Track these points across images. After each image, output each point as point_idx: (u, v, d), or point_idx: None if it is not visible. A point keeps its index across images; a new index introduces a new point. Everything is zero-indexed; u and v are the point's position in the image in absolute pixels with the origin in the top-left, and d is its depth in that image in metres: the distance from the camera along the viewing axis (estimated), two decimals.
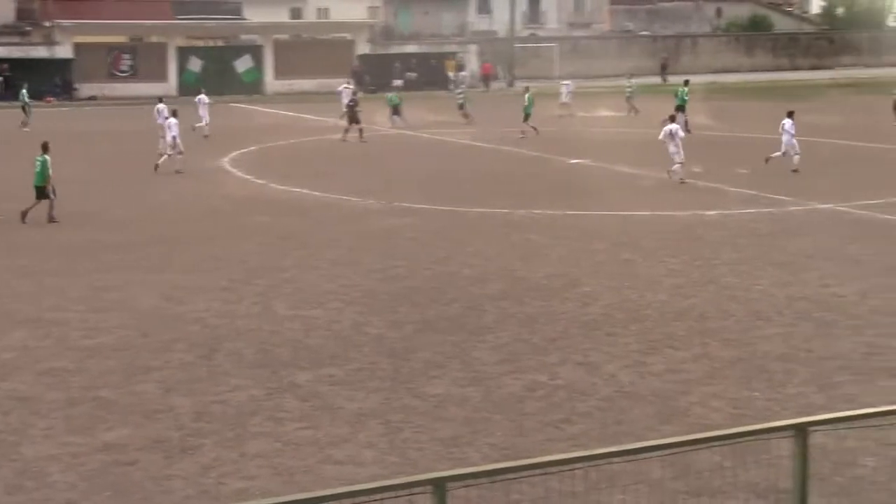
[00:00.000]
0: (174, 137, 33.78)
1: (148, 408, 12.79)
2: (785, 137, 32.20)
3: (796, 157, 32.00)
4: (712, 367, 14.06)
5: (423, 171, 34.22)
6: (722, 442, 7.45)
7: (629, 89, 54.03)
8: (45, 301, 18.05)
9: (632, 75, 56.72)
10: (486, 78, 78.55)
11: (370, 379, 13.76)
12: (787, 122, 32.29)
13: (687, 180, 30.14)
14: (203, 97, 46.94)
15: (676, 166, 30.34)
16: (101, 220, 25.90)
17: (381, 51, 78.31)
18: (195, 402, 12.94)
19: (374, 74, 72.72)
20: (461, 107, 50.74)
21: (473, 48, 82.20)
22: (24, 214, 25.38)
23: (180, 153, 34.00)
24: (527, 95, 44.57)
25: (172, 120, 34.42)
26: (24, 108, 51.22)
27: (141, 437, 11.88)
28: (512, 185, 30.82)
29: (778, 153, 32.21)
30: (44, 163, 25.68)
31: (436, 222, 25.01)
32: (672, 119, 31.78)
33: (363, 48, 76.70)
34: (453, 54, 79.54)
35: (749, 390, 13.16)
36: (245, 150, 40.31)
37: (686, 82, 46.97)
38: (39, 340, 15.69)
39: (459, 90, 53.59)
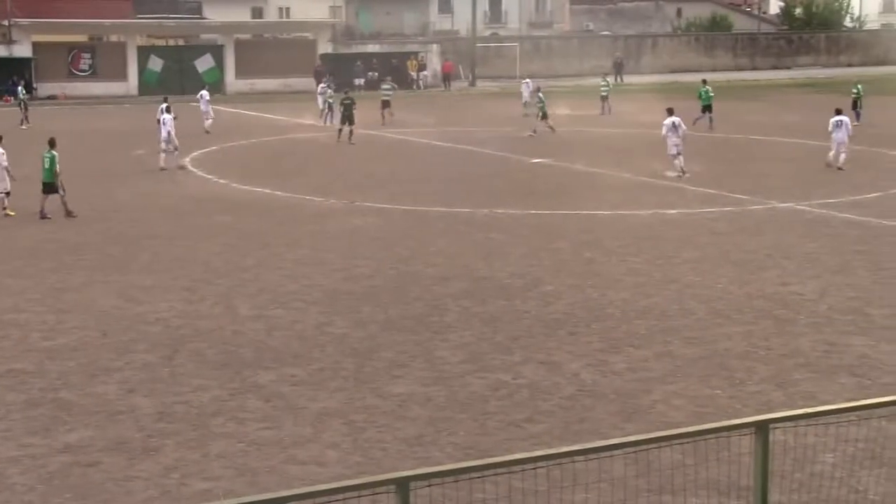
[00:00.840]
0: (169, 133, 34.25)
1: (109, 409, 12.71)
2: (838, 135, 32.11)
3: (843, 156, 32.16)
4: (674, 366, 14.15)
5: (386, 170, 34.18)
6: (684, 440, 7.51)
7: (605, 88, 54.22)
8: (4, 302, 17.89)
9: (606, 75, 56.91)
10: (448, 77, 78.58)
11: (333, 379, 13.74)
12: (841, 119, 32.31)
13: (669, 174, 30.67)
14: (205, 93, 48.39)
15: (679, 159, 30.96)
16: (60, 219, 25.67)
17: (343, 50, 78.15)
18: (157, 403, 12.87)
19: (336, 74, 72.56)
20: (385, 104, 50.35)
21: (435, 48, 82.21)
22: (42, 213, 25.84)
23: (175, 149, 34.41)
24: (539, 94, 45.26)
25: (167, 116, 34.56)
26: (21, 105, 51.54)
27: (102, 438, 11.80)
28: (475, 184, 30.86)
29: (833, 153, 32.35)
30: (52, 159, 26.08)
31: (399, 222, 25.00)
32: (671, 112, 31.86)
33: (325, 48, 76.50)
34: (415, 54, 79.51)
35: (710, 388, 13.26)
36: (207, 149, 40.11)
37: (704, 81, 47.52)
38: None
39: (387, 86, 53.23)
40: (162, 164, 34.15)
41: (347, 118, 41.87)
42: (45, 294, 18.42)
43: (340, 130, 42.16)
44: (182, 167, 34.36)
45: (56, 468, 11.04)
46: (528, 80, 56.48)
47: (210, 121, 47.01)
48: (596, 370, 14.00)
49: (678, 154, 31.15)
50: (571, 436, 11.59)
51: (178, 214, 26.48)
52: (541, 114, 43.84)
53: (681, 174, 30.92)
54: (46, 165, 25.87)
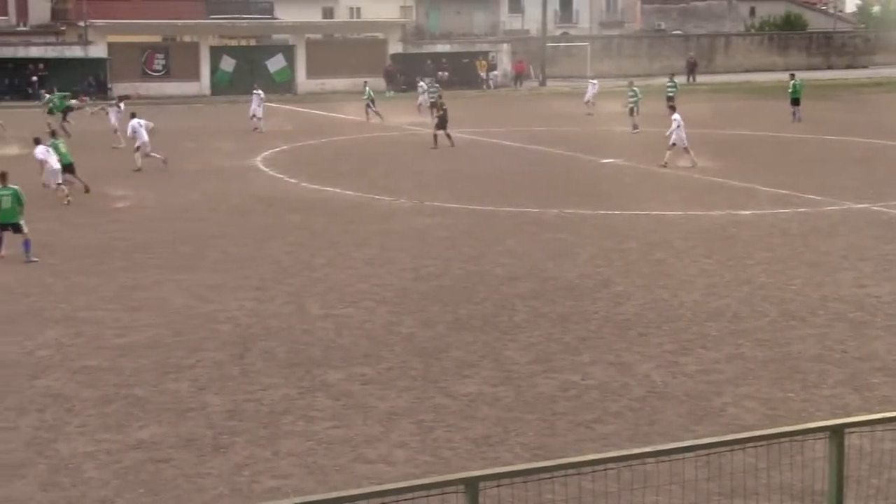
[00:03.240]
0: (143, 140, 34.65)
1: (181, 406, 12.84)
2: None
3: None
4: (746, 368, 13.98)
5: (455, 170, 34.18)
6: (756, 443, 7.39)
7: (671, 89, 53.87)
8: (77, 300, 18.15)
9: (673, 75, 56.60)
10: (519, 77, 78.52)
11: (402, 378, 13.75)
12: None
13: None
14: (259, 92, 48.50)
15: (691, 152, 32.55)
16: (132, 218, 26.01)
17: (413, 50, 78.32)
18: (228, 401, 12.98)
19: (407, 74, 72.75)
20: (434, 105, 50.37)
21: (505, 47, 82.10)
22: (86, 188, 28.63)
23: (147, 153, 34.73)
24: (635, 88, 45.59)
25: (135, 121, 34.88)
26: (52, 111, 48.20)
27: (174, 434, 11.92)
28: (543, 184, 30.75)
29: None
30: (56, 145, 28.42)
31: (467, 222, 24.97)
32: (673, 109, 34.20)
33: (395, 48, 76.73)
34: (485, 54, 79.46)
35: (783, 391, 13.07)
36: (277, 149, 40.41)
37: (792, 76, 49.21)
38: (73, 339, 15.78)
39: (433, 89, 53.47)
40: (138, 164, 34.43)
41: (443, 123, 40.52)
42: (118, 292, 18.66)
43: (436, 137, 40.34)
44: (165, 161, 34.57)
45: (129, 464, 11.17)
46: (594, 80, 56.43)
47: (258, 120, 46.73)
48: (666, 372, 13.87)
49: (687, 147, 33.09)
50: (641, 437, 11.49)
51: (247, 213, 26.69)
52: (635, 109, 44.19)
53: (695, 164, 32.89)
54: (63, 151, 27.52)
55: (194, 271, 20.18)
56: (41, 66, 69.17)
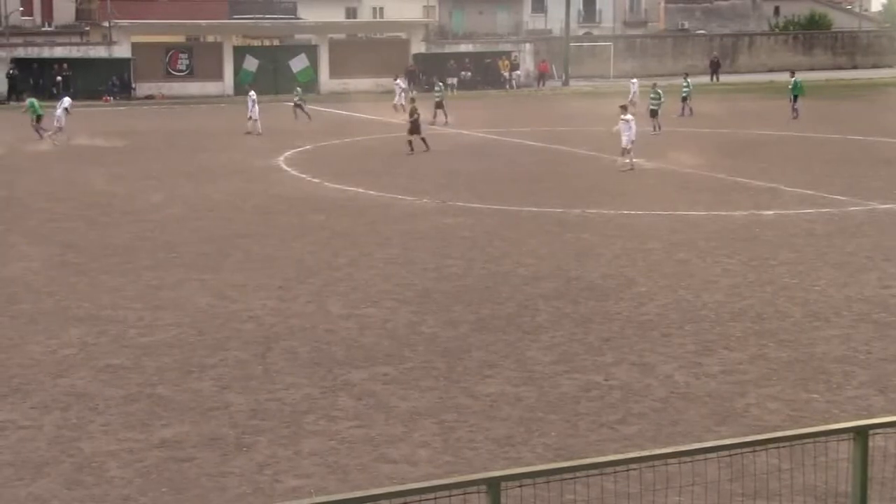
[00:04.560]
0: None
1: (204, 405, 12.88)
2: None
3: None
4: (769, 369, 13.91)
5: (477, 169, 34.18)
6: (780, 444, 7.35)
7: (685, 89, 53.80)
8: (101, 298, 18.23)
9: (687, 75, 56.54)
10: (542, 77, 78.45)
11: (424, 378, 13.76)
12: None
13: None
14: (252, 93, 48.36)
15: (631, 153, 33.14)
16: (153, 217, 26.13)
17: (436, 50, 78.37)
18: (250, 400, 13.01)
19: (429, 74, 72.82)
20: (438, 105, 50.31)
21: (528, 47, 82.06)
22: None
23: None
24: (658, 90, 46.04)
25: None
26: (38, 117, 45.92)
27: (197, 433, 11.96)
28: (566, 184, 30.71)
29: None
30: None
31: (489, 221, 24.96)
32: (625, 109, 34.62)
33: (418, 47, 76.79)
34: (508, 53, 79.45)
35: (807, 392, 13.01)
36: (299, 149, 40.51)
37: (792, 73, 51.82)
38: (96, 338, 15.85)
39: (437, 88, 53.65)
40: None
41: (416, 128, 39.47)
42: (141, 291, 18.73)
43: (410, 142, 39.03)
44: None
45: (152, 462, 11.21)
46: (634, 79, 56.79)
47: (252, 122, 46.34)
48: (689, 372, 13.82)
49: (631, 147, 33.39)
50: (664, 438, 11.45)
51: (270, 213, 26.75)
52: (658, 111, 44.21)
53: (632, 165, 33.14)
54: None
55: (218, 271, 20.25)
56: (65, 66, 69.54)
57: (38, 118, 44.78)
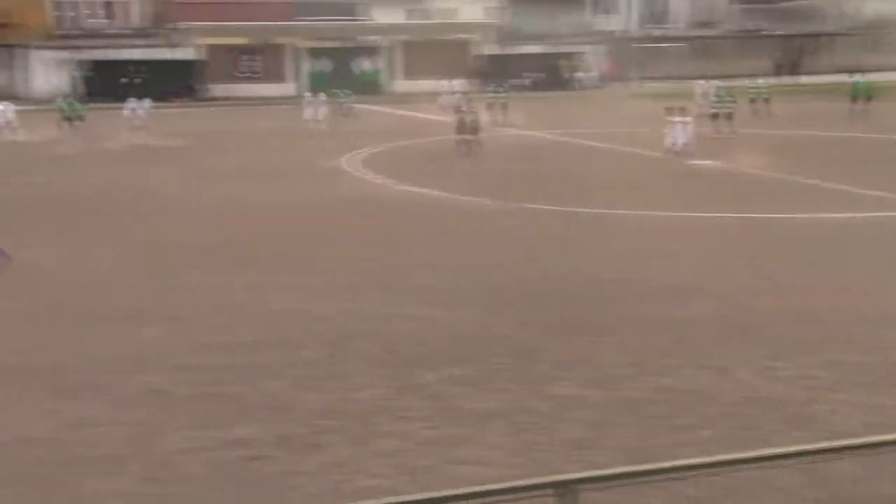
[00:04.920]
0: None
1: (277, 404, 12.98)
2: None
3: None
4: (845, 374, 13.73)
5: (543, 171, 34.10)
6: (858, 451, 7.25)
7: (754, 91, 53.26)
8: (179, 298, 18.45)
9: (757, 76, 56.10)
10: (609, 78, 78.18)
11: (495, 379, 13.75)
12: None
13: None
14: (308, 94, 49.83)
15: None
16: (230, 219, 26.38)
17: (502, 51, 78.28)
18: (322, 400, 13.09)
19: (496, 75, 72.85)
20: (499, 106, 50.22)
21: (595, 48, 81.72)
22: None
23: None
24: (731, 94, 46.03)
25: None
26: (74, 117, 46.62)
27: (269, 433, 12.05)
28: (633, 186, 30.54)
29: None
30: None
31: (554, 223, 24.90)
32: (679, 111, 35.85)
33: (485, 49, 76.76)
34: (574, 54, 79.18)
35: (886, 398, 12.81)
36: (365, 150, 40.69)
37: (853, 73, 53.76)
38: (173, 336, 16.05)
39: (498, 89, 53.70)
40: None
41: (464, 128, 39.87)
42: (218, 291, 18.93)
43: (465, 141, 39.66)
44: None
45: (226, 460, 11.32)
46: (702, 80, 56.52)
47: (316, 122, 47.68)
48: (763, 376, 13.68)
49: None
50: (737, 443, 11.33)
51: (338, 214, 26.91)
52: (731, 113, 43.94)
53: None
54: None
55: (292, 272, 20.40)
56: (143, 68, 70.59)
57: (79, 118, 46.32)
